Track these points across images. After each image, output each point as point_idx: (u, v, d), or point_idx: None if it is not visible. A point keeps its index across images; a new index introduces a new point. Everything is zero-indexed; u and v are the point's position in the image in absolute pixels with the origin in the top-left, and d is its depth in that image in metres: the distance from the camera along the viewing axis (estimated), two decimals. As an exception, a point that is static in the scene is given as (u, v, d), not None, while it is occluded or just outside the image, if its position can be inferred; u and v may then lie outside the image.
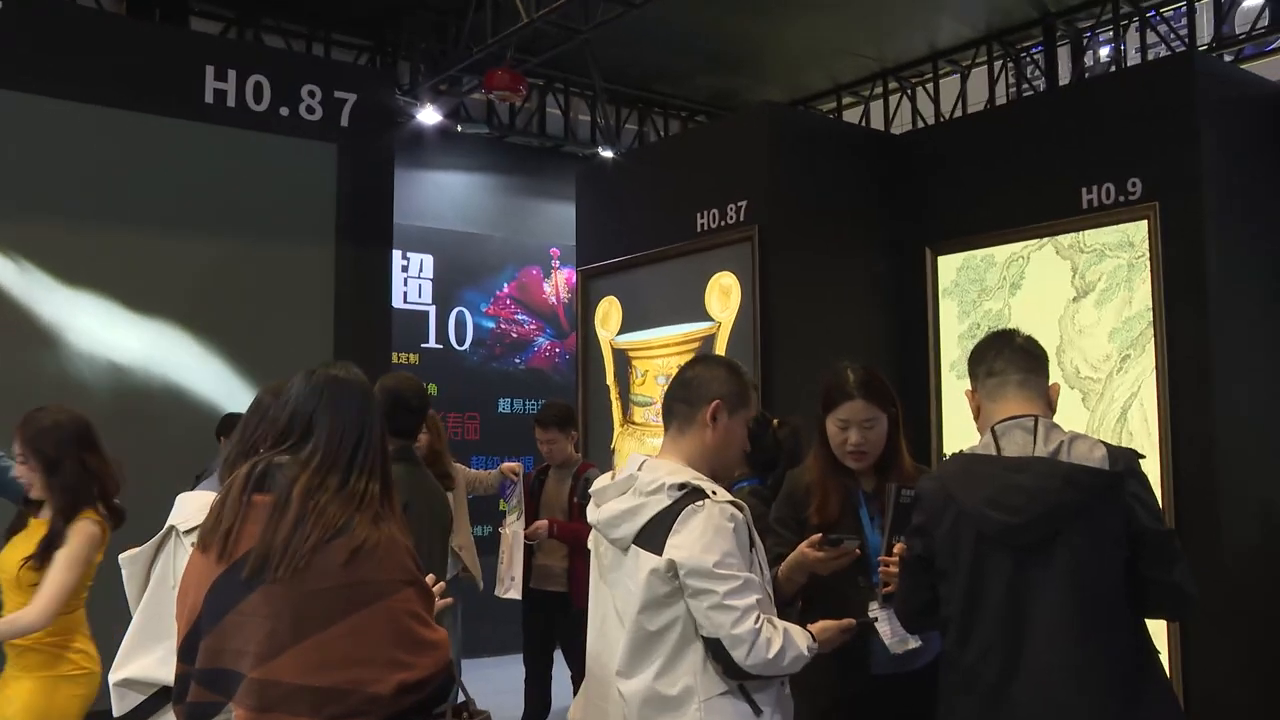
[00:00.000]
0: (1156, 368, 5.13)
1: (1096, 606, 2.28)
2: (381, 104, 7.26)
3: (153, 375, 6.17)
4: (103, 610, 2.24)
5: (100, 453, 3.44)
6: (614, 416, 6.86)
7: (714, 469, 2.51)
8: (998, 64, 9.25)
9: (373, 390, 2.16)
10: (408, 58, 9.01)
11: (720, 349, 5.98)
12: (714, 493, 2.37)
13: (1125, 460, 2.30)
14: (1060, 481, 2.28)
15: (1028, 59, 9.30)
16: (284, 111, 6.67)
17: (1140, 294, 5.28)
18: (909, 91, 9.89)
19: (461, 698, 2.09)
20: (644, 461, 2.48)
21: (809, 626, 2.48)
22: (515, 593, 5.44)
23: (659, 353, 6.51)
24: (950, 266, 6.20)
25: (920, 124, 9.69)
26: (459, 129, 9.71)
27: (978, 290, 6.06)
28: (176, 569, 2.16)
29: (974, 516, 2.35)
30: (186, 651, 1.92)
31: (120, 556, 2.27)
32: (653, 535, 2.34)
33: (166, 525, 2.24)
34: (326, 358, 6.53)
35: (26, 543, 3.30)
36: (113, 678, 2.18)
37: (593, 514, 2.50)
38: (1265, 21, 7.86)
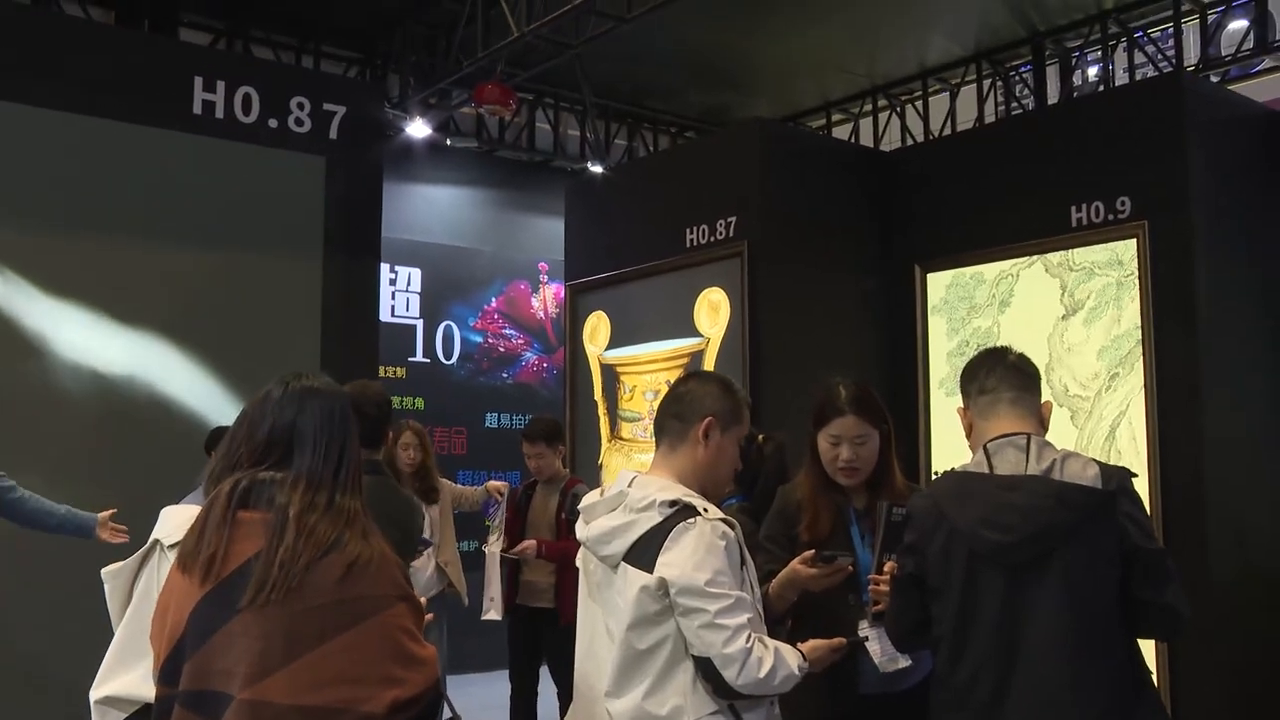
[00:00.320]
0: (1145, 386, 5.14)
1: (1089, 626, 2.27)
2: (370, 117, 7.24)
3: (138, 387, 6.12)
4: (86, 625, 2.20)
5: None
6: (602, 432, 6.83)
7: (705, 486, 2.49)
8: (987, 82, 9.30)
9: (349, 402, 2.13)
10: (397, 71, 9.00)
11: (709, 365, 5.97)
12: (705, 510, 2.35)
13: (1118, 479, 2.29)
14: (1053, 500, 2.26)
15: (1016, 78, 9.35)
16: (273, 123, 6.65)
17: (1129, 312, 5.29)
18: (898, 109, 9.92)
19: (449, 714, 2.06)
20: (634, 478, 2.46)
21: (799, 645, 2.46)
22: (495, 614, 5.41)
23: (647, 368, 6.49)
24: (939, 284, 6.21)
25: (910, 141, 9.73)
26: (448, 142, 9.70)
27: (967, 307, 6.06)
28: (161, 584, 2.13)
29: (966, 535, 2.34)
30: (169, 674, 1.87)
31: (103, 571, 2.23)
32: (643, 552, 2.32)
33: (150, 539, 2.20)
34: (314, 371, 6.53)
35: None
36: (94, 695, 2.13)
37: (582, 530, 2.48)
38: (1250, 44, 7.91)
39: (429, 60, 8.64)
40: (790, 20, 8.12)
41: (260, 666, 1.82)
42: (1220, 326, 5.06)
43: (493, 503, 5.92)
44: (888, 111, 10.00)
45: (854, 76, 9.62)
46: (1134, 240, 5.25)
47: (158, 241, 6.21)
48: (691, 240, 6.28)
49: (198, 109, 6.42)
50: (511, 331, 9.44)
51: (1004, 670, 2.29)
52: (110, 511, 4.66)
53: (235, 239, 6.46)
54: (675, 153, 9.27)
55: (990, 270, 5.96)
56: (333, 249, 6.80)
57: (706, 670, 2.28)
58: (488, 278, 9.36)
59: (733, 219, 6.03)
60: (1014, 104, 9.32)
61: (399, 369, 8.68)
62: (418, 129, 8.96)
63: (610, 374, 6.82)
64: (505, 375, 9.35)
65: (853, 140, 10.13)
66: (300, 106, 6.76)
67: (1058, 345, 5.58)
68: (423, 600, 2.16)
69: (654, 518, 2.33)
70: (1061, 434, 5.29)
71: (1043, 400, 2.52)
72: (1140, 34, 8.49)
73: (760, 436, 3.77)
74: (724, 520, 2.36)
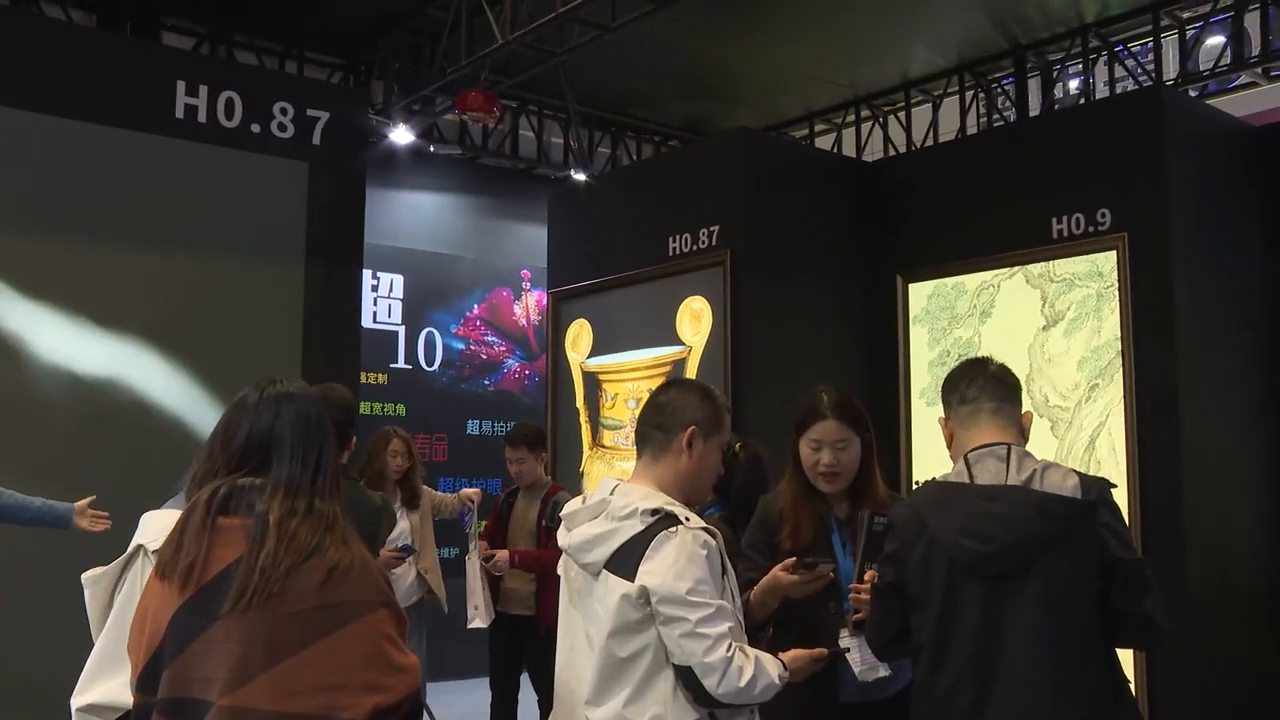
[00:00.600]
0: (1125, 397, 5.17)
1: (1069, 636, 2.28)
2: (354, 123, 7.23)
3: (117, 391, 6.09)
4: (68, 631, 2.17)
5: None
6: (583, 439, 6.83)
7: (688, 494, 2.49)
8: (969, 94, 9.35)
9: (324, 408, 2.13)
10: (381, 77, 8.99)
11: (691, 373, 5.98)
12: (687, 519, 2.35)
13: (1098, 489, 2.31)
14: (1034, 511, 2.28)
15: (999, 89, 9.40)
16: (255, 128, 6.63)
17: (1109, 324, 5.32)
18: (881, 119, 9.96)
19: (429, 723, 2.06)
20: (616, 486, 2.46)
21: (780, 655, 2.46)
22: (480, 621, 5.41)
23: (629, 376, 6.50)
24: (921, 294, 6.23)
25: (892, 152, 9.77)
26: (431, 149, 9.69)
27: (948, 318, 6.09)
28: None
29: (947, 545, 2.35)
30: (147, 681, 1.86)
31: (83, 576, 2.21)
32: (624, 561, 2.32)
33: (133, 544, 2.18)
34: (295, 376, 6.51)
35: None
36: (75, 703, 2.11)
37: (563, 538, 2.48)
38: (1228, 59, 7.99)
39: (413, 67, 8.63)
40: (773, 31, 8.15)
41: (240, 673, 1.81)
42: (1199, 338, 5.10)
43: (466, 511, 5.92)
44: (870, 122, 10.04)
45: (837, 87, 9.66)
46: (1114, 252, 5.29)
47: (139, 246, 6.18)
48: (674, 249, 6.29)
49: (180, 113, 6.40)
50: (493, 338, 9.43)
51: (984, 680, 2.30)
52: (88, 499, 4.57)
53: (217, 244, 6.43)
54: (658, 161, 9.29)
55: (972, 281, 5.99)
56: (315, 254, 6.78)
57: (687, 679, 2.28)
58: (470, 285, 9.35)
59: (715, 228, 6.04)
60: (996, 115, 9.37)
61: (381, 375, 8.66)
62: (401, 135, 8.95)
63: (592, 381, 6.82)
64: (487, 382, 9.34)
65: (835, 150, 10.17)
66: (284, 112, 6.74)
67: (1038, 356, 5.61)
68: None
69: (636, 526, 2.34)
70: (1042, 444, 5.32)
71: (1023, 411, 2.53)
72: (1120, 48, 8.56)
73: (737, 445, 3.78)
74: (705, 529, 2.36)
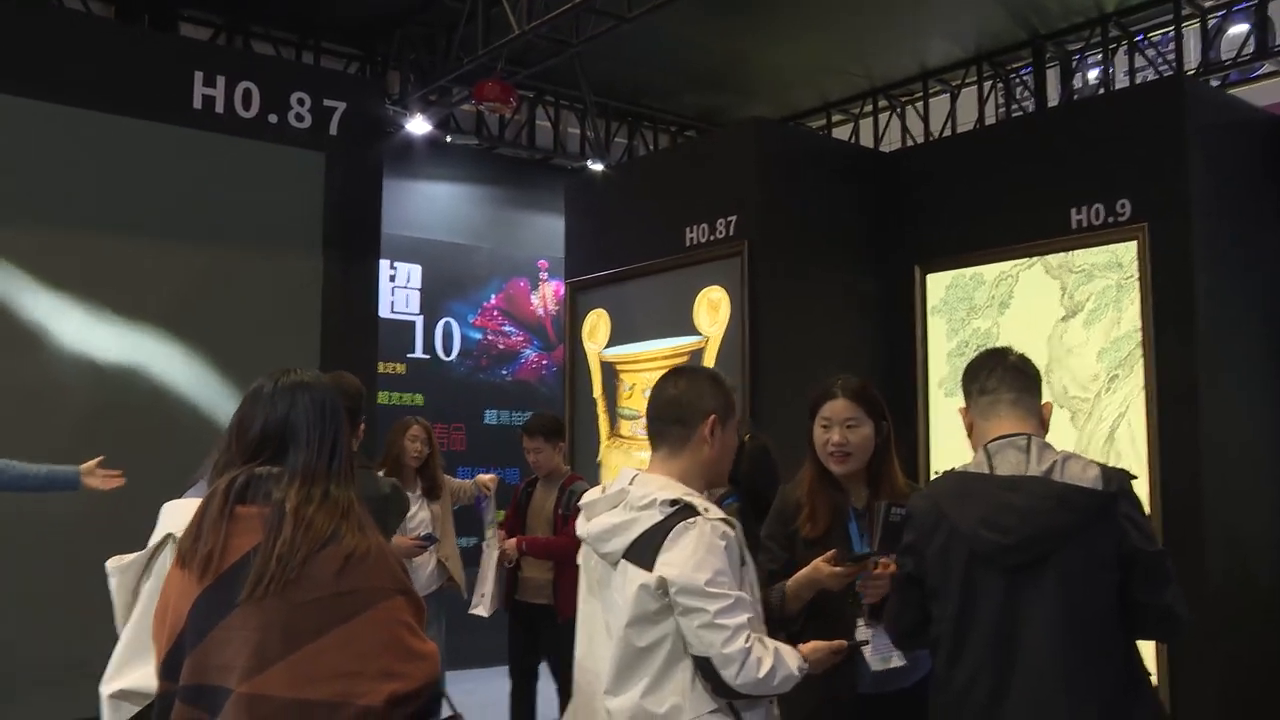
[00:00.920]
0: (1145, 388, 5.14)
1: (1088, 628, 2.26)
2: (371, 113, 7.24)
3: (136, 381, 6.12)
4: (101, 616, 2.18)
5: None
6: (601, 429, 6.84)
7: (711, 481, 2.51)
8: (987, 84, 9.29)
9: (339, 396, 2.14)
10: (397, 67, 8.99)
11: (709, 363, 5.97)
12: (706, 510, 2.35)
13: (1118, 481, 2.29)
14: (1054, 502, 2.26)
15: (1017, 80, 9.34)
16: (272, 119, 6.64)
17: (1129, 314, 5.29)
18: (899, 110, 9.92)
19: (448, 712, 2.06)
20: (635, 476, 2.46)
21: (800, 647, 2.46)
22: (483, 609, 5.42)
23: (647, 366, 6.50)
24: (939, 284, 6.21)
25: (910, 142, 9.72)
26: (448, 139, 9.69)
27: (966, 308, 6.07)
28: None
29: (966, 536, 2.34)
30: (169, 668, 1.88)
31: (108, 563, 2.22)
32: (643, 551, 2.32)
33: (161, 533, 2.19)
34: (313, 366, 6.53)
35: None
36: (105, 689, 2.12)
37: (582, 527, 2.48)
38: (1250, 48, 7.91)
39: (429, 57, 8.63)
40: (790, 22, 8.11)
41: (258, 660, 1.82)
42: (1219, 329, 5.07)
43: (483, 497, 5.93)
44: (888, 112, 10.00)
45: (853, 77, 9.61)
46: (1134, 243, 5.26)
47: (157, 236, 6.20)
48: (691, 239, 6.28)
49: (198, 104, 6.41)
50: (511, 328, 9.44)
51: (1002, 672, 2.29)
52: (96, 460, 4.52)
53: (235, 234, 6.45)
54: (676, 152, 9.27)
55: (990, 271, 5.96)
56: (332, 245, 6.79)
57: (705, 669, 2.28)
58: (487, 275, 9.36)
59: (733, 218, 6.03)
60: (1014, 106, 9.31)
61: (398, 365, 8.67)
62: (418, 126, 8.95)
63: (610, 372, 6.82)
64: (504, 372, 9.35)
65: (853, 141, 10.13)
66: (300, 102, 6.75)
67: (1057, 347, 5.59)
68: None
69: (654, 516, 2.34)
70: (1061, 435, 5.30)
71: (1043, 401, 2.52)
72: (1140, 37, 8.49)
73: (745, 436, 3.78)
74: (724, 520, 2.36)
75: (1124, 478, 2.31)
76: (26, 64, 5.87)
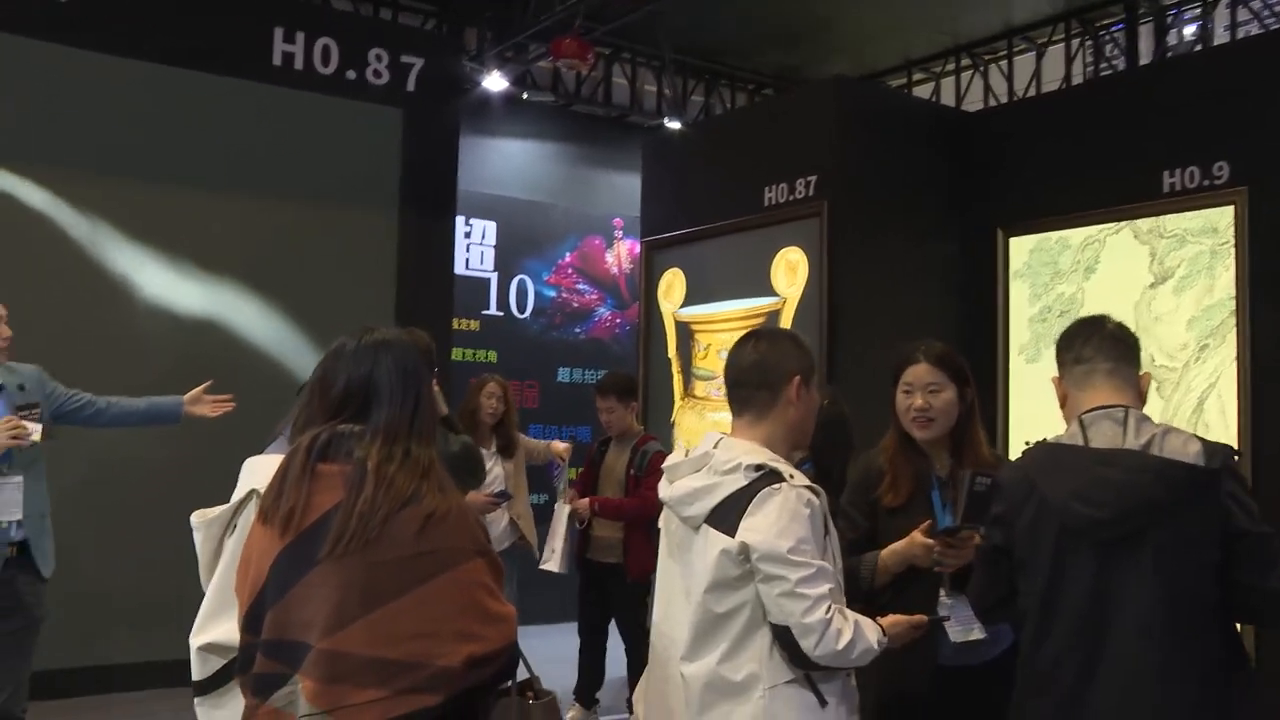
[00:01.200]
0: (1238, 359, 4.99)
1: (1184, 610, 2.17)
2: (448, 70, 7.23)
3: (215, 333, 6.21)
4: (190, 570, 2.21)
5: None
6: (675, 390, 6.80)
7: (797, 442, 2.49)
8: (1075, 42, 9.00)
9: (420, 355, 2.12)
10: (474, 24, 8.95)
11: (786, 324, 5.90)
12: (791, 476, 2.30)
13: (1222, 457, 2.19)
14: (1151, 476, 2.18)
15: (1107, 37, 9.04)
16: (351, 75, 6.67)
17: (1222, 282, 5.13)
18: (982, 68, 9.66)
19: (525, 675, 2.05)
20: (720, 439, 2.42)
21: (880, 620, 2.41)
22: (554, 565, 5.45)
23: (722, 327, 6.44)
24: (1023, 248, 6.07)
25: (992, 102, 9.48)
26: (524, 96, 9.65)
27: (1050, 273, 5.92)
28: None
29: (1058, 508, 2.26)
30: (251, 622, 1.89)
31: (193, 517, 2.23)
32: (725, 515, 2.29)
33: (245, 489, 2.20)
34: (388, 321, 6.57)
35: None
36: (194, 641, 2.15)
37: (664, 490, 2.45)
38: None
39: (506, 14, 8.58)
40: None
41: (338, 617, 1.82)
42: (1319, 298, 4.89)
43: (556, 465, 5.94)
44: (970, 71, 9.74)
45: (936, 35, 9.38)
46: (1231, 207, 5.08)
47: (236, 190, 6.27)
48: (770, 199, 6.20)
49: (277, 60, 6.46)
50: (585, 287, 9.41)
51: (1090, 652, 2.21)
52: (203, 385, 4.58)
53: (312, 190, 6.51)
54: (755, 110, 9.13)
55: (1076, 235, 5.81)
56: (409, 201, 6.82)
57: (784, 639, 2.25)
58: (562, 232, 9.33)
59: (812, 178, 5.93)
60: (1103, 65, 9.02)
61: (473, 322, 8.70)
62: (494, 82, 8.92)
63: (685, 331, 6.77)
64: (578, 330, 9.34)
65: (934, 100, 9.91)
66: (378, 59, 6.77)
67: (1145, 314, 5.44)
68: None
69: (739, 481, 2.30)
70: (1147, 405, 5.15)
71: (1141, 372, 2.43)
72: (1244, -11, 8.15)
73: (825, 400, 3.73)
74: (809, 488, 2.31)
75: (1228, 454, 2.21)
76: (108, 20, 5.93)
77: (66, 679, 5.58)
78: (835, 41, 9.36)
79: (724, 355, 6.34)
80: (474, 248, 8.79)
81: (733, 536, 2.26)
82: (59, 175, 5.81)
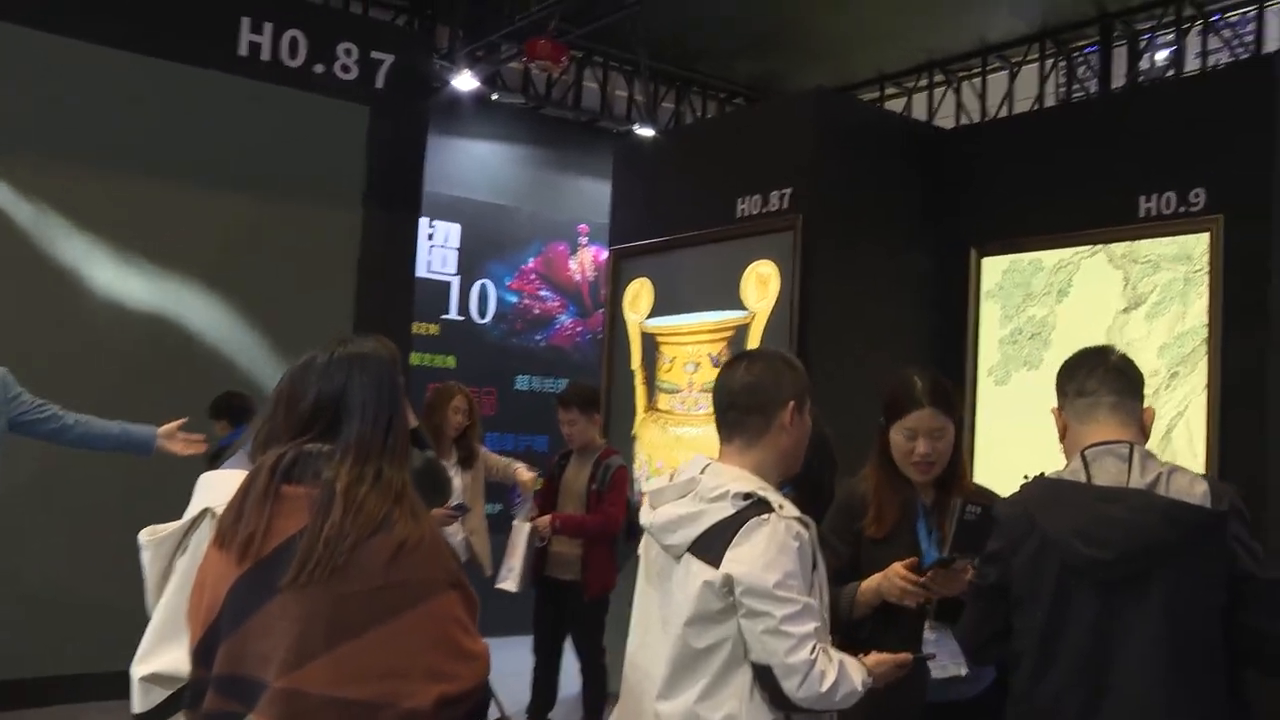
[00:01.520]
0: (1208, 388, 4.95)
1: (1188, 653, 2.10)
2: (418, 67, 7.09)
3: (166, 330, 6.01)
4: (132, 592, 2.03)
5: None
6: (638, 402, 6.68)
7: (789, 469, 2.37)
8: (1049, 62, 9.00)
9: (396, 368, 1.99)
10: (447, 21, 8.80)
11: (754, 340, 5.81)
12: (780, 506, 2.19)
13: (1229, 498, 2.12)
14: (1158, 517, 2.09)
15: (1080, 59, 9.05)
16: (319, 69, 6.50)
17: (1195, 309, 5.10)
18: (955, 85, 9.65)
19: (497, 715, 1.92)
20: (708, 465, 2.30)
21: (864, 659, 2.30)
22: (510, 584, 5.31)
23: (689, 339, 6.33)
24: (996, 269, 6.02)
25: (964, 119, 9.46)
26: (494, 97, 9.51)
27: (1023, 295, 5.88)
28: None
29: (1059, 546, 2.17)
30: (203, 654, 1.74)
31: (141, 535, 2.06)
32: (710, 545, 2.17)
33: (199, 507, 2.04)
34: (347, 323, 6.40)
35: None
36: (137, 671, 1.99)
37: (646, 516, 2.33)
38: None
39: (479, 12, 8.44)
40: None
41: (298, 653, 1.68)
42: (1293, 329, 4.86)
43: (518, 494, 5.81)
44: (943, 87, 9.72)
45: (911, 50, 9.35)
46: (1207, 234, 5.05)
47: (195, 183, 6.09)
48: (743, 210, 6.11)
49: (244, 50, 6.29)
50: (547, 293, 9.28)
51: (1092, 694, 2.13)
52: (178, 422, 4.36)
53: (274, 185, 6.34)
54: (729, 120, 9.06)
55: (1049, 258, 5.77)
56: (373, 201, 6.67)
57: (765, 678, 2.13)
58: (527, 237, 9.19)
59: (787, 191, 5.85)
60: (1076, 86, 9.03)
61: (432, 326, 8.53)
62: (464, 82, 8.77)
63: (650, 343, 6.66)
64: (539, 337, 9.20)
65: (906, 115, 9.88)
66: (348, 53, 6.61)
67: (1117, 339, 5.39)
68: None
69: (726, 509, 2.18)
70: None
71: (1145, 406, 2.35)
72: (1217, 17, 8.17)
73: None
74: (799, 519, 2.20)
75: (1235, 495, 2.14)
76: (73, 5, 5.74)
77: (35, 689, 5.41)
78: (809, 51, 9.30)
79: (690, 369, 6.28)
80: (436, 250, 8.63)
81: (717, 567, 2.14)
82: (4, 163, 5.59)
